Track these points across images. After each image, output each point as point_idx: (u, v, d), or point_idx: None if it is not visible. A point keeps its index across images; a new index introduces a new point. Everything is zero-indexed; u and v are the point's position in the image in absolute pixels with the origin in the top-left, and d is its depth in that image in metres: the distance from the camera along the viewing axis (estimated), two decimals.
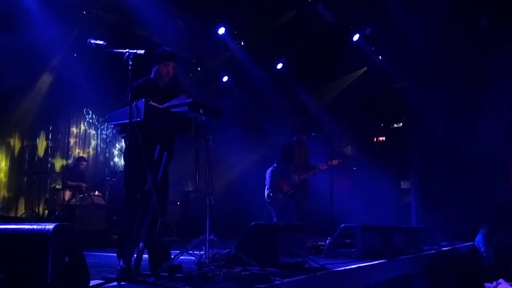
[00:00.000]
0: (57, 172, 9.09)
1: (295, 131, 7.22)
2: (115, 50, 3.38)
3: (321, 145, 7.95)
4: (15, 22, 7.44)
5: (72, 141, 9.85)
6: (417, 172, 10.82)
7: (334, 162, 6.97)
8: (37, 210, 8.01)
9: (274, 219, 7.04)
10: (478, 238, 8.82)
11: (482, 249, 8.62)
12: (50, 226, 2.52)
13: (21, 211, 8.48)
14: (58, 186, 8.47)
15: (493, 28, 9.18)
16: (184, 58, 10.20)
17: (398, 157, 11.29)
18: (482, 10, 9.12)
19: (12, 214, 8.35)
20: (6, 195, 8.53)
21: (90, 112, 10.20)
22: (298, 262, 4.13)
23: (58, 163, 9.52)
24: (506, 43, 8.72)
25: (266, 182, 7.27)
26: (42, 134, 9.19)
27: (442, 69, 9.98)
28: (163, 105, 3.54)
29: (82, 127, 10.09)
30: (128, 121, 3.27)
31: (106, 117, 3.72)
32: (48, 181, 8.96)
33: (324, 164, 7.03)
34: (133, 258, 3.24)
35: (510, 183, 10.27)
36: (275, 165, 7.29)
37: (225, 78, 11.29)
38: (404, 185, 11.58)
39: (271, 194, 7.09)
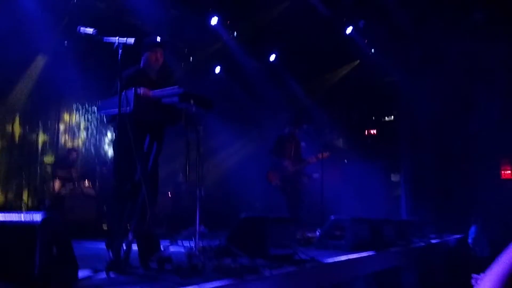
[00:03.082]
0: (47, 163, 9.01)
1: (287, 123, 7.17)
2: (104, 39, 3.33)
3: (312, 137, 7.95)
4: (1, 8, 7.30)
5: (62, 131, 9.75)
6: (407, 165, 10.89)
7: (324, 155, 6.95)
8: (26, 201, 7.95)
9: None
10: (471, 231, 8.88)
11: (470, 241, 8.70)
12: (37, 217, 2.49)
13: (10, 201, 8.40)
14: (47, 176, 8.40)
15: (485, 22, 9.21)
16: (176, 48, 10.11)
17: (389, 150, 11.34)
18: (475, 4, 9.13)
19: (1, 204, 8.27)
20: None
21: (81, 101, 10.09)
22: (288, 254, 4.14)
23: (48, 153, 9.43)
24: (498, 38, 8.76)
25: None
26: (31, 124, 9.08)
27: (433, 63, 10.02)
28: (154, 92, 3.51)
29: (73, 117, 9.98)
30: (117, 111, 3.24)
31: (97, 106, 3.70)
32: (38, 171, 8.88)
33: (313, 157, 7.02)
34: (122, 250, 3.22)
35: (499, 176, 10.38)
36: None
37: (217, 69, 11.23)
38: (394, 177, 11.66)
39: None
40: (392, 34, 9.89)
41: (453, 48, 9.38)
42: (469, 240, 8.55)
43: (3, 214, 2.68)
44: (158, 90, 3.54)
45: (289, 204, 6.73)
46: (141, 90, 3.43)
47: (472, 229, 8.71)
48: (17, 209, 7.71)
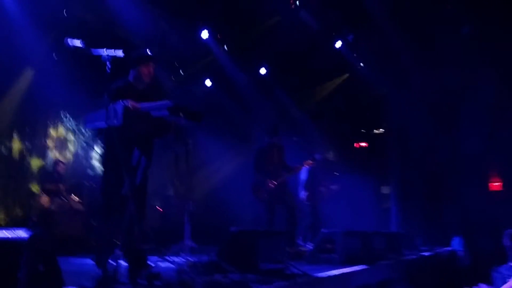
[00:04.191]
0: (35, 176, 8.87)
1: (265, 133, 6.89)
2: (92, 51, 3.30)
3: (301, 150, 7.95)
4: None
5: (49, 144, 9.62)
6: (397, 178, 10.93)
7: (309, 162, 6.91)
8: (14, 216, 7.81)
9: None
10: (454, 241, 8.91)
11: (459, 252, 8.72)
12: (23, 235, 2.45)
13: None
14: (35, 191, 8.27)
15: (474, 36, 9.34)
16: (166, 61, 10.11)
17: (379, 162, 11.38)
18: (464, 18, 9.26)
19: None
20: None
21: (69, 114, 9.99)
22: (279, 268, 4.10)
23: (35, 167, 9.30)
24: (487, 51, 8.88)
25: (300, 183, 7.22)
26: (18, 137, 8.96)
27: (422, 76, 10.13)
28: (142, 104, 3.47)
29: (60, 130, 9.87)
30: (105, 124, 3.20)
31: (84, 119, 3.68)
32: (25, 186, 8.74)
33: (299, 165, 6.95)
34: (110, 266, 3.16)
35: (487, 188, 10.45)
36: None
37: (208, 82, 11.23)
38: (384, 190, 11.68)
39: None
40: (381, 48, 10.00)
41: (442, 61, 9.50)
42: (458, 251, 8.57)
43: None
44: (147, 102, 3.51)
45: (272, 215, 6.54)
46: (129, 103, 3.39)
47: (456, 240, 8.73)
48: (4, 224, 7.55)
